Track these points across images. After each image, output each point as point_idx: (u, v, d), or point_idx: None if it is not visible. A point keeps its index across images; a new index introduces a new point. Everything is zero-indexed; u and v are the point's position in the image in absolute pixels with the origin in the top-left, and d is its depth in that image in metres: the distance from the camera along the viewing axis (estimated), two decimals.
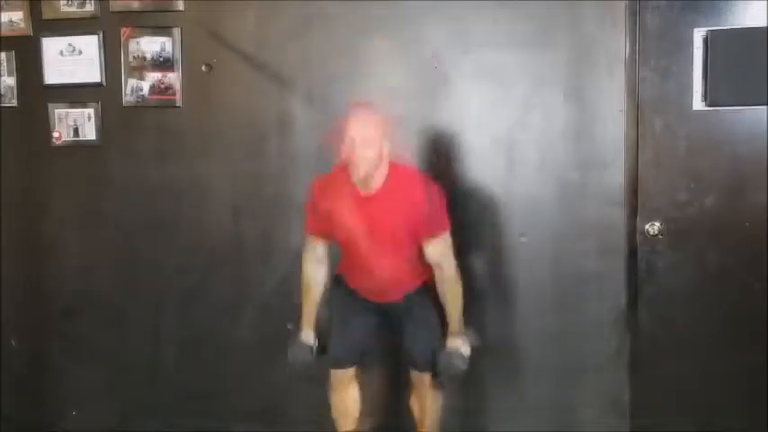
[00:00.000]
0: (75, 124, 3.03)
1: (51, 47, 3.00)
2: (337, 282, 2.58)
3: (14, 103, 3.07)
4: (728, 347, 2.70)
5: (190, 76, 2.94)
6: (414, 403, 2.60)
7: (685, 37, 2.62)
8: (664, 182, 2.69)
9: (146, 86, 2.97)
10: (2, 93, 3.06)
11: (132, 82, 2.97)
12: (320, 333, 2.56)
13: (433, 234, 2.35)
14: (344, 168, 2.29)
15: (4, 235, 3.14)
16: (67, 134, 3.04)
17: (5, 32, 3.02)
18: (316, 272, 2.51)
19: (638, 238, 2.71)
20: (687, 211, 2.68)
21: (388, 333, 2.60)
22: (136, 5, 2.93)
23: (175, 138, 2.99)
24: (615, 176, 2.72)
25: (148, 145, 3.01)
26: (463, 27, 2.76)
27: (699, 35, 2.61)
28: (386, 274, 2.43)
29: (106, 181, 3.05)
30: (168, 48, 2.93)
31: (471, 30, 2.76)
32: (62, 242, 3.11)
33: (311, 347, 2.52)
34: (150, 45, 2.94)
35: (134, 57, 2.96)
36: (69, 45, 2.99)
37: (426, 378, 2.51)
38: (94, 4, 2.96)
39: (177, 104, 2.96)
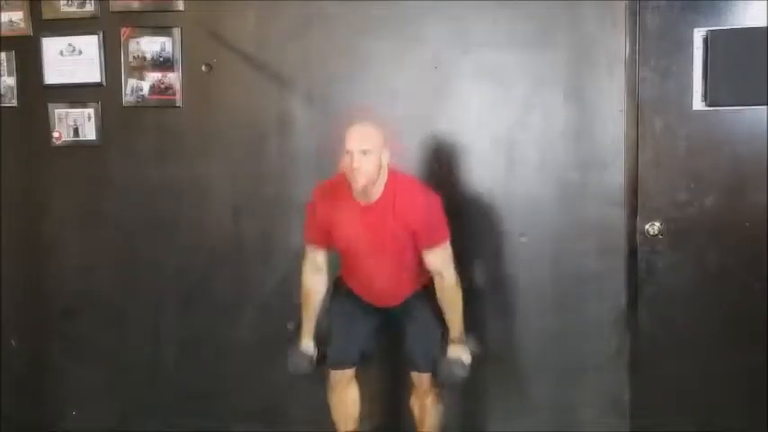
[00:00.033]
0: (75, 124, 3.03)
1: (51, 47, 3.00)
2: (338, 284, 2.58)
3: (14, 103, 3.07)
4: (728, 347, 2.70)
5: (190, 76, 2.94)
6: (414, 404, 2.60)
7: (685, 37, 2.62)
8: (664, 182, 2.69)
9: (146, 86, 2.97)
10: (2, 93, 3.06)
11: (132, 82, 2.97)
12: (320, 335, 2.56)
13: (432, 244, 2.36)
14: (344, 177, 2.30)
15: (4, 235, 3.14)
16: (67, 134, 3.04)
17: (5, 32, 3.02)
18: (315, 281, 2.51)
19: (638, 238, 2.71)
20: (687, 211, 2.68)
21: (388, 334, 2.60)
22: (136, 5, 2.93)
23: (175, 138, 2.99)
24: (615, 176, 2.72)
25: (148, 145, 3.01)
26: (463, 27, 2.76)
27: (699, 35, 2.61)
28: (386, 281, 2.46)
29: (106, 181, 3.05)
30: (168, 48, 2.93)
31: (471, 30, 2.76)
32: (62, 242, 3.11)
33: (311, 357, 2.53)
34: (150, 45, 2.94)
35: (134, 57, 2.96)
36: (69, 45, 2.99)
37: (426, 379, 2.51)
38: (94, 4, 2.96)
39: (177, 104, 2.96)
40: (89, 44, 2.98)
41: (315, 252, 2.48)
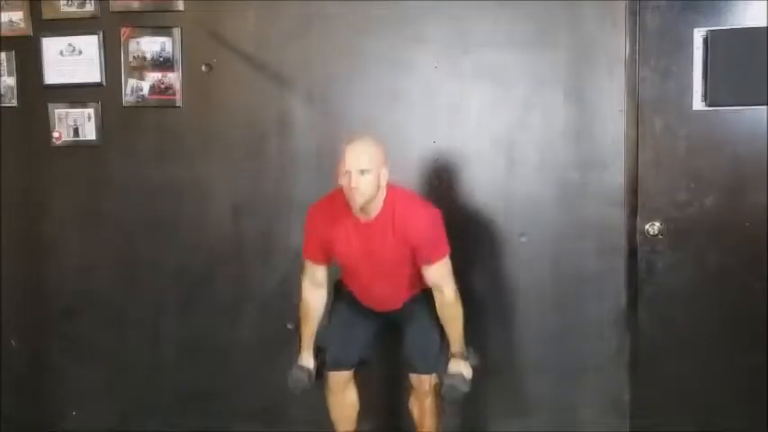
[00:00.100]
0: (75, 124, 3.03)
1: (51, 47, 3.00)
2: (339, 286, 2.59)
3: (14, 103, 3.07)
4: (728, 347, 2.70)
5: (190, 76, 2.94)
6: (413, 405, 2.60)
7: (685, 37, 2.62)
8: (664, 182, 2.69)
9: (146, 86, 2.96)
10: (2, 93, 3.06)
11: (132, 82, 2.97)
12: (318, 346, 2.57)
13: (432, 260, 2.35)
14: (341, 193, 2.29)
15: (4, 235, 3.14)
16: (67, 134, 3.04)
17: (5, 32, 3.02)
18: (315, 296, 2.51)
19: (638, 238, 2.71)
20: (687, 211, 2.68)
21: (387, 336, 2.60)
22: (136, 5, 2.93)
23: (175, 138, 2.98)
24: (615, 176, 2.72)
25: (148, 145, 3.01)
26: (463, 27, 2.76)
27: (699, 35, 2.61)
28: (385, 290, 2.47)
29: (106, 181, 3.05)
30: (168, 48, 2.93)
31: (471, 30, 2.76)
32: (62, 242, 3.11)
33: (310, 371, 2.53)
34: (150, 45, 2.94)
35: (134, 57, 2.96)
36: (69, 45, 2.99)
37: (425, 381, 2.51)
38: (94, 4, 2.96)
39: (177, 104, 2.96)
40: (89, 44, 2.98)
41: (314, 268, 2.47)
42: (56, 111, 3.03)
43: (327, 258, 2.46)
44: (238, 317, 3.01)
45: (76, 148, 3.04)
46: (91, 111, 3.01)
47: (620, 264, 2.75)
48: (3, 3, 3.01)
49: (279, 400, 2.98)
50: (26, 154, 3.09)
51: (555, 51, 2.72)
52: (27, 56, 3.03)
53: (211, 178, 2.98)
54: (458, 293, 2.41)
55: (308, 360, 2.54)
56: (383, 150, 2.30)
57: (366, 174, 2.22)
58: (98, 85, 3.00)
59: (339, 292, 2.58)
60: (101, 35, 2.97)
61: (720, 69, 2.58)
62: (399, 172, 2.64)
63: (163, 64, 2.94)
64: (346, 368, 2.56)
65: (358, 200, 2.24)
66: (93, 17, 2.97)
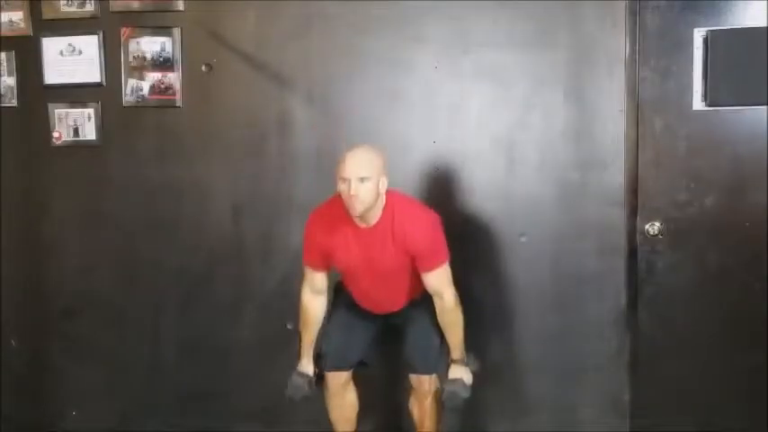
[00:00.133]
0: (75, 124, 3.03)
1: (51, 47, 3.00)
2: (339, 288, 2.59)
3: (14, 103, 3.07)
4: (728, 347, 2.70)
5: (190, 76, 2.94)
6: (413, 406, 2.60)
7: (685, 37, 2.62)
8: (664, 182, 2.69)
9: (146, 86, 2.97)
10: (2, 93, 3.06)
11: (132, 82, 2.97)
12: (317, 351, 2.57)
13: (432, 267, 2.35)
14: (340, 200, 2.28)
15: (4, 235, 3.14)
16: (67, 134, 3.04)
17: (5, 32, 3.02)
18: (315, 303, 2.51)
19: (638, 238, 2.71)
20: (687, 211, 2.68)
21: (387, 337, 2.60)
22: (136, 5, 2.93)
23: (175, 138, 2.99)
24: (615, 176, 2.72)
25: (148, 145, 3.01)
26: (463, 27, 2.76)
27: (699, 35, 2.61)
28: (385, 296, 2.48)
29: (106, 181, 3.05)
30: (168, 48, 2.93)
31: (471, 30, 2.76)
32: (62, 242, 3.11)
33: (310, 378, 2.53)
34: (150, 45, 2.94)
35: (134, 57, 2.96)
36: (69, 45, 2.99)
37: (425, 381, 2.51)
38: (94, 4, 2.96)
39: (177, 104, 2.96)
40: (89, 44, 2.98)
41: (314, 275, 2.47)
42: (56, 111, 3.03)
43: (327, 265, 2.46)
44: (238, 317, 3.01)
45: (76, 148, 3.04)
46: (91, 111, 3.02)
47: (620, 264, 2.75)
48: (3, 3, 3.01)
49: (279, 400, 2.95)
50: (26, 154, 3.09)
51: (555, 51, 2.72)
52: (27, 56, 3.03)
53: (211, 178, 2.98)
54: (458, 299, 2.41)
55: (307, 367, 2.54)
56: (383, 158, 2.30)
57: (366, 181, 2.21)
58: (98, 85, 3.00)
59: (339, 293, 2.59)
60: (101, 35, 2.97)
61: (720, 69, 2.58)
62: (399, 172, 2.66)
63: (163, 64, 2.94)
64: (344, 369, 2.56)
65: (357, 208, 2.23)
66: (93, 17, 2.97)
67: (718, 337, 2.70)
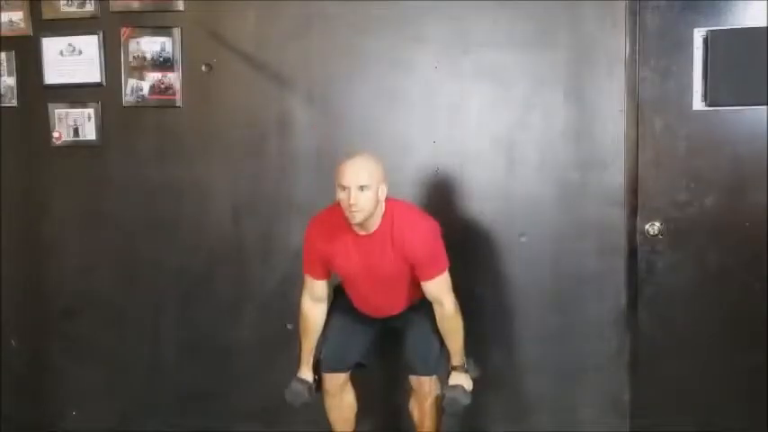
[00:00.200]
0: (75, 124, 3.03)
1: (51, 47, 3.00)
2: (338, 291, 2.58)
3: (14, 103, 3.07)
4: (728, 347, 2.70)
5: (190, 76, 2.94)
6: (413, 407, 2.60)
7: (685, 37, 2.62)
8: (664, 182, 2.69)
9: (146, 86, 2.97)
10: (2, 93, 3.06)
11: (132, 82, 2.97)
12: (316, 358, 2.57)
13: (432, 276, 2.35)
14: (339, 208, 2.27)
15: (4, 235, 3.14)
16: (67, 134, 3.04)
17: (5, 32, 3.02)
18: (314, 311, 2.51)
19: (638, 238, 2.71)
20: (687, 211, 2.68)
21: (387, 338, 2.60)
22: (136, 5, 2.93)
23: (175, 138, 2.98)
24: (615, 176, 2.72)
25: (148, 145, 3.01)
26: (463, 27, 2.76)
27: (699, 35, 2.61)
28: (384, 302, 2.48)
29: (106, 181, 3.05)
30: (168, 48, 2.93)
31: (471, 30, 2.76)
32: (62, 242, 3.11)
33: (310, 384, 2.53)
34: (150, 45, 2.94)
35: (134, 57, 2.96)
36: (69, 45, 2.99)
37: (426, 382, 2.51)
38: (94, 4, 2.96)
39: (177, 104, 2.96)
40: (89, 44, 2.98)
41: (314, 283, 2.47)
42: (56, 111, 3.03)
43: (327, 273, 2.46)
44: (238, 317, 3.01)
45: (76, 148, 3.04)
46: (91, 111, 3.02)
47: (620, 264, 2.75)
48: (3, 3, 3.01)
49: (279, 401, 2.96)
50: (26, 154, 3.09)
51: (555, 51, 2.71)
52: (27, 56, 3.03)
53: (211, 178, 2.98)
54: (457, 306, 2.41)
55: (307, 374, 2.54)
56: (382, 166, 2.29)
57: (365, 190, 2.21)
58: (98, 85, 3.00)
59: (338, 296, 2.58)
60: (101, 35, 2.97)
61: (720, 69, 2.58)
62: (399, 172, 2.66)
63: (163, 64, 2.94)
64: (342, 371, 2.56)
65: (357, 216, 2.23)
66: (93, 17, 2.97)
67: (718, 337, 2.70)
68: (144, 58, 2.95)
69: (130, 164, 3.02)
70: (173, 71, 2.94)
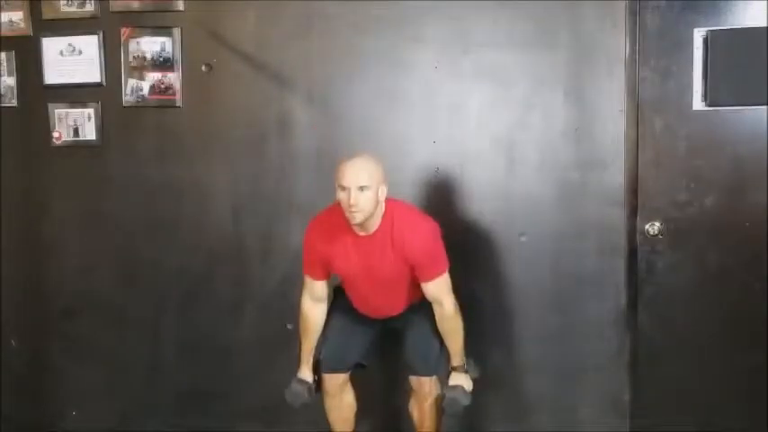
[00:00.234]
0: (75, 124, 3.03)
1: (51, 47, 3.00)
2: (338, 291, 2.58)
3: (14, 103, 3.07)
4: (728, 347, 2.70)
5: (190, 76, 2.94)
6: (413, 407, 2.60)
7: (685, 37, 2.62)
8: (664, 182, 2.69)
9: (146, 86, 2.97)
10: (2, 93, 3.06)
11: (132, 82, 2.97)
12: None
13: (432, 277, 2.35)
14: (339, 208, 2.28)
15: (4, 235, 3.14)
16: (67, 134, 3.04)
17: (5, 32, 3.02)
18: (314, 311, 2.51)
19: (638, 238, 2.71)
20: (687, 211, 2.68)
21: (387, 339, 2.60)
22: (136, 5, 2.93)
23: (175, 138, 2.99)
24: (615, 176, 2.72)
25: (148, 145, 3.01)
26: (463, 27, 2.76)
27: (699, 35, 2.60)
28: (384, 303, 2.48)
29: (106, 181, 3.05)
30: (168, 48, 2.93)
31: (471, 30, 2.76)
32: (62, 242, 3.11)
33: (310, 385, 2.53)
34: (150, 45, 2.94)
35: (134, 57, 2.96)
36: (69, 45, 2.99)
37: (426, 382, 2.51)
38: (94, 4, 2.96)
39: (177, 104, 2.96)
40: (89, 44, 2.98)
41: (314, 283, 2.47)
42: (56, 111, 3.03)
43: (327, 274, 2.46)
44: (238, 317, 3.01)
45: (76, 148, 3.04)
46: (91, 111, 3.02)
47: (620, 264, 2.75)
48: (3, 3, 3.01)
49: (279, 400, 2.96)
50: (26, 154, 3.09)
51: (555, 51, 2.71)
52: (27, 56, 3.03)
53: (211, 178, 2.98)
54: (457, 307, 2.41)
55: (307, 374, 2.54)
56: (382, 166, 2.29)
57: (365, 190, 2.21)
58: (98, 85, 3.00)
59: (338, 297, 2.58)
60: (101, 35, 2.97)
61: (720, 69, 2.58)
62: (399, 172, 2.66)
63: (163, 64, 2.94)
64: (342, 371, 2.56)
65: (357, 217, 2.23)
66: (93, 17, 2.97)
67: (718, 337, 2.70)
68: (144, 58, 2.95)
69: (130, 164, 3.02)
70: (173, 71, 2.94)
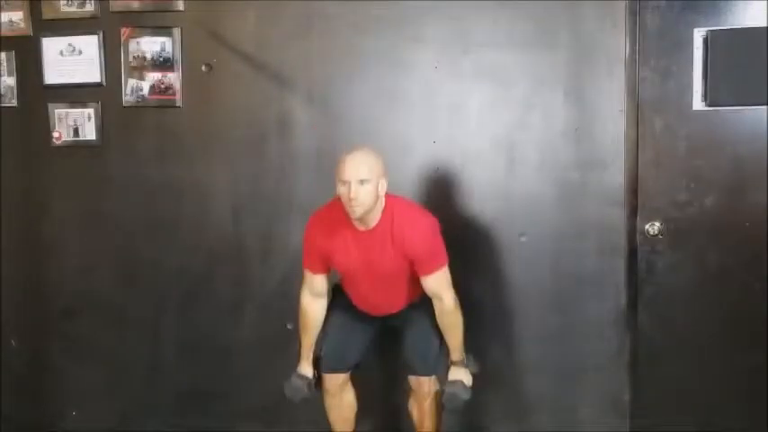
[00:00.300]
0: (75, 124, 3.03)
1: (51, 47, 3.00)
2: (337, 290, 2.58)
3: (14, 103, 3.07)
4: (728, 347, 2.70)
5: (190, 76, 2.94)
6: (413, 407, 2.60)
7: (685, 37, 2.62)
8: (664, 182, 2.69)
9: (146, 86, 2.97)
10: (2, 93, 3.06)
11: (132, 82, 2.97)
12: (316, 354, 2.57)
13: (431, 271, 2.35)
14: (339, 203, 2.29)
15: (4, 235, 3.14)
16: (67, 134, 3.04)
17: (5, 32, 3.02)
18: (314, 306, 2.51)
19: (638, 238, 2.71)
20: (687, 211, 2.68)
21: (386, 338, 2.60)
22: (136, 5, 2.93)
23: (175, 138, 2.99)
24: (615, 176, 2.72)
25: (148, 145, 3.01)
26: (463, 27, 2.76)
27: (699, 35, 2.60)
28: (384, 299, 2.48)
29: (106, 181, 3.05)
30: (168, 48, 2.93)
31: (471, 30, 2.76)
32: (62, 242, 3.11)
33: (309, 380, 2.53)
34: (150, 45, 2.94)
35: (134, 57, 2.96)
36: (69, 45, 2.99)
37: (425, 382, 2.51)
38: (94, 4, 2.96)
39: (177, 104, 2.96)
40: (89, 44, 2.98)
41: (314, 278, 2.47)
42: (56, 111, 3.03)
43: (327, 268, 2.46)
44: (238, 317, 3.01)
45: (76, 148, 3.04)
46: (91, 111, 3.02)
47: (620, 264, 2.75)
48: (3, 3, 3.01)
49: (279, 400, 2.96)
50: (26, 154, 3.09)
51: (555, 51, 2.71)
52: (27, 56, 3.03)
53: (211, 178, 2.98)
54: (457, 302, 2.41)
55: (307, 369, 2.54)
56: (382, 160, 2.30)
57: (365, 184, 2.21)
58: (98, 85, 3.00)
59: (337, 295, 2.58)
60: (101, 35, 2.97)
61: (720, 69, 2.58)
62: (399, 172, 2.66)
63: (163, 64, 2.94)
64: (342, 371, 2.56)
65: (357, 210, 2.23)
66: (93, 17, 2.97)
67: (718, 337, 2.70)
68: (144, 58, 2.95)
69: (130, 164, 3.02)
70: (173, 71, 2.94)
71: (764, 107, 2.58)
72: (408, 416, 2.64)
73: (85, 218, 3.08)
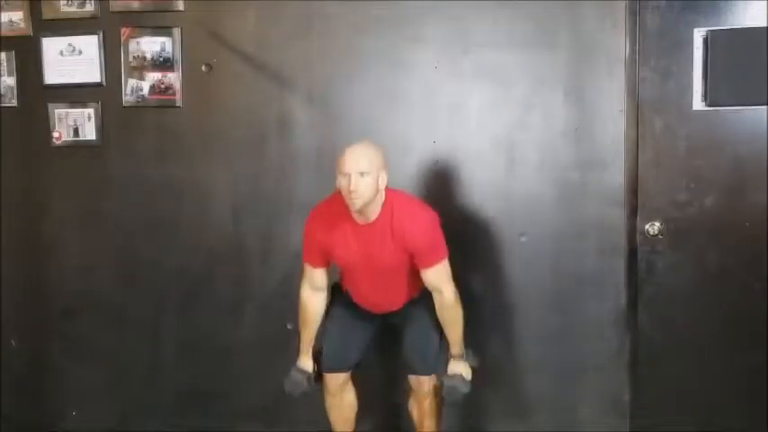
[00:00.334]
0: (75, 124, 3.03)
1: (51, 47, 3.00)
2: (337, 288, 2.59)
3: (14, 103, 3.07)
4: (728, 347, 2.70)
5: (190, 76, 2.94)
6: (413, 406, 2.60)
7: (685, 37, 2.62)
8: (664, 182, 2.69)
9: (146, 86, 2.97)
10: (2, 93, 3.06)
11: (132, 82, 2.97)
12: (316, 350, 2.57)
13: (431, 264, 2.35)
14: (340, 197, 2.29)
15: (4, 235, 3.14)
16: (67, 134, 3.04)
17: (5, 32, 3.02)
18: (314, 300, 2.51)
19: (638, 238, 2.71)
20: (687, 211, 2.68)
21: (386, 337, 2.60)
22: (136, 5, 2.93)
23: (175, 138, 2.99)
24: (615, 176, 2.72)
25: (148, 145, 3.01)
26: (463, 27, 2.76)
27: (699, 35, 2.61)
28: (384, 293, 2.48)
29: (106, 181, 3.05)
30: (168, 48, 2.93)
31: (471, 30, 2.76)
32: (62, 242, 3.11)
33: (309, 375, 2.53)
34: (150, 45, 2.94)
35: (134, 57, 2.96)
36: (69, 45, 2.99)
37: (425, 382, 2.51)
38: (94, 4, 2.96)
39: (177, 104, 2.96)
40: (89, 44, 2.98)
41: (314, 271, 2.47)
42: (56, 111, 3.03)
43: (326, 262, 2.46)
44: (238, 317, 3.01)
45: (76, 148, 3.04)
46: (91, 111, 3.02)
47: (620, 264, 2.75)
48: (3, 3, 3.01)
49: (279, 400, 2.97)
50: (26, 154, 3.09)
51: (555, 51, 2.71)
52: (27, 56, 3.03)
53: (211, 178, 2.98)
54: (457, 295, 2.41)
55: (306, 363, 2.54)
56: (382, 153, 2.30)
57: (365, 176, 2.21)
58: (98, 85, 3.00)
59: (337, 294, 2.58)
60: (101, 35, 2.97)
61: (720, 69, 2.58)
62: (399, 172, 2.66)
63: (163, 64, 2.94)
64: (343, 370, 2.56)
65: (357, 203, 2.23)
66: (93, 17, 2.97)
67: (718, 337, 2.70)
68: (144, 58, 2.95)
69: (130, 164, 3.02)
70: (173, 71, 2.94)
71: (764, 107, 2.58)
72: (408, 415, 2.64)
73: (85, 218, 3.08)
